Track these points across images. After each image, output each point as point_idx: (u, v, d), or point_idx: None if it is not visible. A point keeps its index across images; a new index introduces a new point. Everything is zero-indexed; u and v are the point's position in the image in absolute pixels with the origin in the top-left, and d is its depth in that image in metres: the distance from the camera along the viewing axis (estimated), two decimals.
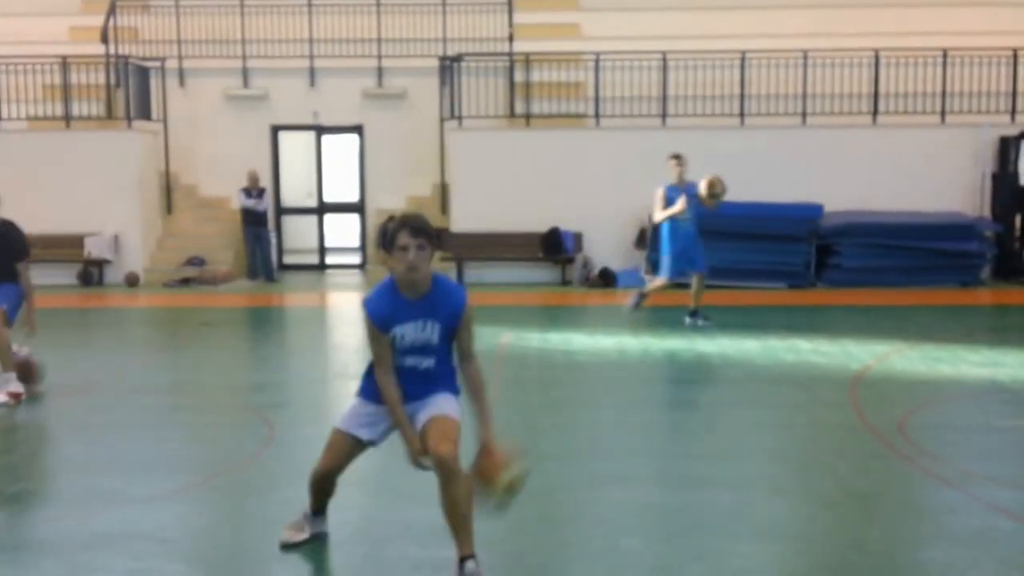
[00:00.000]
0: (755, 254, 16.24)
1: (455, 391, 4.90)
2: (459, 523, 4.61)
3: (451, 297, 4.79)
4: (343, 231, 20.35)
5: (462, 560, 4.63)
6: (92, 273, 17.48)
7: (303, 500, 5.46)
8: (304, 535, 5.25)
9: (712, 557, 5.01)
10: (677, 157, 12.15)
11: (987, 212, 17.16)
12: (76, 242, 17.39)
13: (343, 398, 8.94)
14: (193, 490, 6.20)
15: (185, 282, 17.37)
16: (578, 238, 17.25)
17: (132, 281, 17.29)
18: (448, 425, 4.69)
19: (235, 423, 8.11)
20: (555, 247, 17.10)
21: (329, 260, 19.75)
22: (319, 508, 5.28)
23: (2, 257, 8.66)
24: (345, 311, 15.51)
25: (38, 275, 16.94)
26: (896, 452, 6.84)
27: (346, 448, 5.01)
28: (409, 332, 4.75)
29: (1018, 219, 17.19)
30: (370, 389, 4.94)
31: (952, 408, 8.25)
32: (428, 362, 4.82)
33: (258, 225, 18.05)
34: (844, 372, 9.43)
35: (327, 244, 19.84)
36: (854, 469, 6.55)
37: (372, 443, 5.04)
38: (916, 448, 6.86)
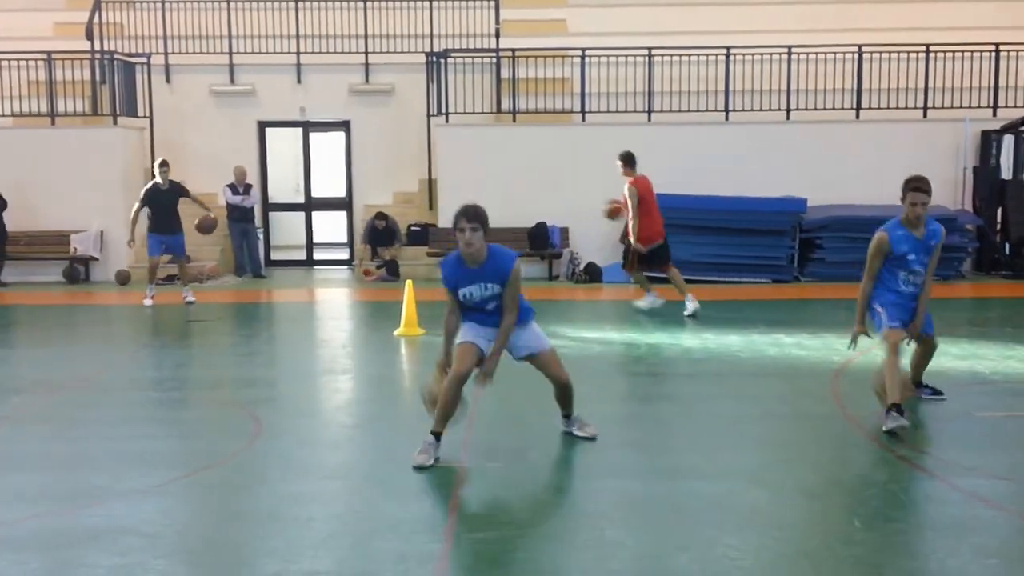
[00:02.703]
0: (739, 248, 16.41)
1: (531, 317, 6.91)
2: (568, 400, 7.07)
3: (502, 262, 6.52)
4: (330, 227, 20.38)
5: (569, 416, 7.13)
6: (78, 270, 17.49)
7: (292, 494, 5.60)
8: (430, 460, 6.39)
9: (696, 547, 5.08)
10: (919, 188, 7.51)
11: (968, 206, 17.34)
12: (62, 239, 17.43)
13: (331, 393, 9.07)
14: (179, 485, 6.24)
15: (171, 279, 17.34)
16: (565, 233, 17.35)
17: (123, 279, 17.20)
18: (554, 356, 6.93)
19: (222, 418, 8.17)
20: (542, 242, 17.18)
21: (317, 256, 19.81)
22: (441, 429, 6.49)
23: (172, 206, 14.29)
24: (333, 307, 15.57)
25: (24, 273, 17.16)
26: (877, 443, 6.95)
27: (471, 354, 6.52)
28: (475, 291, 6.55)
29: (999, 213, 17.36)
30: (466, 318, 6.73)
31: (933, 399, 8.27)
32: (493, 307, 6.62)
33: (245, 221, 18.10)
34: (826, 365, 9.54)
35: (315, 240, 19.91)
36: (836, 459, 6.67)
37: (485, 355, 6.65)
38: (897, 439, 6.93)
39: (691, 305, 12.68)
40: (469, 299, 6.57)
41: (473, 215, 6.32)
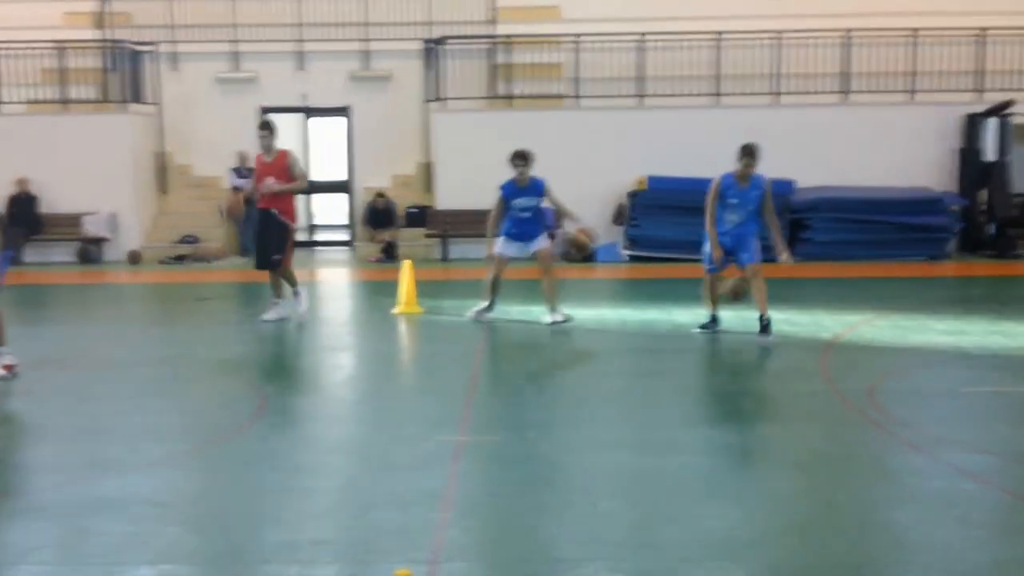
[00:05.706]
0: None
1: (545, 228, 10.97)
2: (553, 292, 10.68)
3: (539, 184, 10.71)
4: (331, 209, 20.69)
5: (553, 310, 10.64)
6: (90, 251, 17.86)
7: (296, 466, 6.02)
8: (481, 317, 10.78)
9: (686, 519, 5.16)
10: (750, 154, 10.28)
11: (954, 187, 17.68)
12: (74, 221, 17.83)
13: (333, 369, 9.36)
14: (188, 457, 6.37)
15: (180, 259, 17.78)
16: (558, 214, 17.63)
17: (134, 259, 17.75)
18: (547, 252, 10.82)
19: (228, 394, 8.30)
20: None
21: (318, 237, 20.12)
22: (491, 305, 10.84)
23: None
24: (334, 286, 15.75)
25: (40, 253, 17.53)
26: (865, 417, 7.07)
27: (504, 261, 10.71)
28: (523, 201, 10.65)
29: (983, 194, 17.66)
30: (505, 232, 10.67)
31: (919, 375, 8.48)
32: (533, 212, 10.69)
33: (248, 204, 18.34)
34: (815, 341, 9.71)
35: (316, 222, 20.22)
36: (824, 434, 6.76)
37: (512, 258, 10.78)
38: (884, 413, 7.07)
39: (275, 313, 11.31)
40: (518, 206, 10.61)
41: (523, 155, 10.57)
